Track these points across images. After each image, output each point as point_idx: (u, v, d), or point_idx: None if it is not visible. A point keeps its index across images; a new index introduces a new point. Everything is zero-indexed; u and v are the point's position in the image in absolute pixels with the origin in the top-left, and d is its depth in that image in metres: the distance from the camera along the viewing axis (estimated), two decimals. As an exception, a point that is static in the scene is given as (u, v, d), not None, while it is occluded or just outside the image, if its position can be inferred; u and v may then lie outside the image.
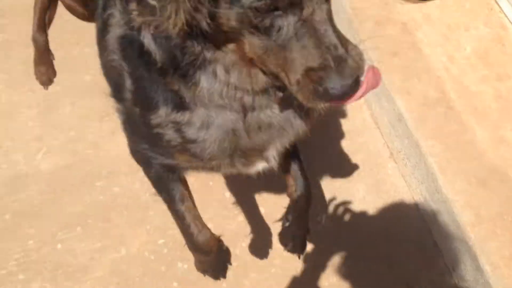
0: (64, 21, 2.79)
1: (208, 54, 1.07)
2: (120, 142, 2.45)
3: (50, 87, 2.60)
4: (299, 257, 2.00)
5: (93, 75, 2.63)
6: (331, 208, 2.37)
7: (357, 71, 0.95)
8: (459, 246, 2.12)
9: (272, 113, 1.27)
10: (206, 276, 2.15)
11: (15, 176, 2.36)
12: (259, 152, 1.38)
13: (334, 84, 0.93)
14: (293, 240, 1.83)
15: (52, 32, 2.75)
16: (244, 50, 1.01)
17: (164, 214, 2.30)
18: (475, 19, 2.66)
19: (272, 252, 2.31)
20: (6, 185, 2.33)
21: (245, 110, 1.24)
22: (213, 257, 1.83)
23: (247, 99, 1.20)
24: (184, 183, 1.58)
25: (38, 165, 2.40)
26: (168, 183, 1.53)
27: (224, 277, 2.12)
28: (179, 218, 1.61)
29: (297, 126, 1.35)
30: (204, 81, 1.14)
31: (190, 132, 1.29)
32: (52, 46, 2.71)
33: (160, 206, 2.30)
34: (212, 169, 1.45)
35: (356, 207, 2.38)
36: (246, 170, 1.47)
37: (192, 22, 0.91)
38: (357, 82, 0.95)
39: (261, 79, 1.14)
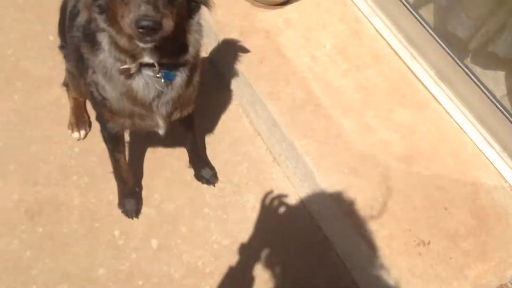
0: None
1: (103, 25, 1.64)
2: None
3: None
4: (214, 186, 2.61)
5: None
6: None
7: (154, 17, 1.44)
8: (347, 234, 2.32)
9: (150, 79, 1.76)
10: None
11: None
12: (150, 114, 1.90)
13: (140, 18, 1.43)
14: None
15: None
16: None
17: (50, 270, 2.32)
18: (332, 17, 2.92)
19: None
20: None
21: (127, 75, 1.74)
22: (130, 187, 2.45)
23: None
24: (122, 139, 2.24)
25: None
26: (111, 139, 2.18)
27: (137, 217, 2.50)
28: (114, 160, 2.31)
29: (174, 91, 1.83)
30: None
31: (103, 91, 1.84)
32: None
33: (43, 261, 2.32)
34: (131, 128, 2.08)
35: (250, 215, 2.53)
36: (147, 128, 2.01)
37: None
38: (156, 23, 1.44)
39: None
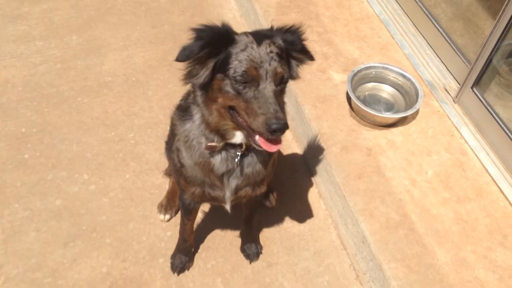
0: (42, 144, 3.15)
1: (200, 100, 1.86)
2: (81, 270, 2.63)
3: (18, 212, 2.85)
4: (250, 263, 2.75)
5: (64, 199, 2.91)
6: None
7: (284, 120, 1.65)
8: None
9: (228, 155, 1.97)
10: None
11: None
12: (220, 186, 2.08)
13: (273, 122, 1.63)
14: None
15: (29, 159, 3.09)
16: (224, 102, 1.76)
17: None
18: (437, 145, 2.98)
19: None
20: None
21: (212, 150, 1.95)
22: (187, 246, 2.64)
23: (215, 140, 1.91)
24: (194, 211, 2.49)
25: (-6, 298, 2.51)
26: (185, 208, 2.43)
27: (178, 273, 2.66)
28: (182, 223, 2.54)
29: (249, 169, 2.04)
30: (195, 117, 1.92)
31: (182, 158, 2.05)
32: (28, 170, 3.03)
33: None
34: (200, 197, 2.20)
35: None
36: (215, 200, 2.19)
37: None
38: (285, 125, 1.64)
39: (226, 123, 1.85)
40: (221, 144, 1.92)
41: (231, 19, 4.22)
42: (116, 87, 3.59)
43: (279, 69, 1.71)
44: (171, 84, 3.61)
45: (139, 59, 3.81)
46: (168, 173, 2.98)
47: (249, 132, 1.76)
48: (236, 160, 1.98)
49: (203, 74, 1.75)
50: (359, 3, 3.95)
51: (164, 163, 3.06)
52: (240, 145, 1.94)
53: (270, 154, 2.07)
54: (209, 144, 1.92)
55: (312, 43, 3.58)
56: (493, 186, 2.78)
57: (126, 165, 3.11)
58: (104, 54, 3.82)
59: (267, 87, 1.69)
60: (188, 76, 1.77)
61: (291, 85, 3.27)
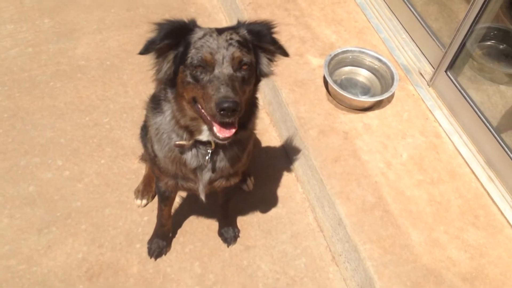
0: (15, 130, 3.12)
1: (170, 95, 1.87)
2: (56, 256, 2.63)
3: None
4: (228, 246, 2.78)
5: (38, 186, 2.89)
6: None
7: (234, 99, 1.62)
8: None
9: (199, 152, 2.00)
10: None
11: None
12: (194, 179, 2.11)
13: (222, 101, 1.60)
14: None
15: (1, 144, 3.05)
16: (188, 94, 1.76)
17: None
18: (411, 128, 3.05)
19: None
20: None
21: (181, 148, 1.97)
22: (165, 230, 2.66)
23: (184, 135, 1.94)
24: (170, 198, 2.53)
25: (-33, 284, 2.49)
26: (161, 194, 2.47)
27: (155, 258, 2.68)
28: (160, 209, 2.57)
29: (222, 164, 2.05)
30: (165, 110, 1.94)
31: (154, 149, 2.08)
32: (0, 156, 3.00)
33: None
34: (174, 187, 2.26)
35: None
36: (188, 190, 2.25)
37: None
38: (234, 104, 1.60)
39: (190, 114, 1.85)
40: (190, 142, 1.93)
41: (207, 2, 4.20)
42: (90, 71, 3.55)
43: (237, 54, 1.71)
44: (147, 69, 3.58)
45: (114, 43, 3.78)
46: (144, 158, 2.98)
47: (209, 123, 1.76)
48: (207, 157, 1.99)
49: (165, 67, 1.79)
50: (336, -13, 3.97)
51: (140, 149, 3.05)
52: (209, 143, 1.95)
53: (243, 146, 2.09)
54: (177, 142, 1.94)
55: (289, 27, 3.60)
56: (466, 168, 2.86)
57: (101, 151, 3.10)
58: (77, 38, 3.78)
59: (222, 71, 1.68)
60: (156, 74, 1.82)
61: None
